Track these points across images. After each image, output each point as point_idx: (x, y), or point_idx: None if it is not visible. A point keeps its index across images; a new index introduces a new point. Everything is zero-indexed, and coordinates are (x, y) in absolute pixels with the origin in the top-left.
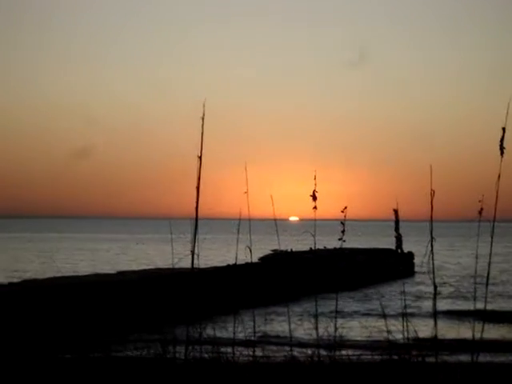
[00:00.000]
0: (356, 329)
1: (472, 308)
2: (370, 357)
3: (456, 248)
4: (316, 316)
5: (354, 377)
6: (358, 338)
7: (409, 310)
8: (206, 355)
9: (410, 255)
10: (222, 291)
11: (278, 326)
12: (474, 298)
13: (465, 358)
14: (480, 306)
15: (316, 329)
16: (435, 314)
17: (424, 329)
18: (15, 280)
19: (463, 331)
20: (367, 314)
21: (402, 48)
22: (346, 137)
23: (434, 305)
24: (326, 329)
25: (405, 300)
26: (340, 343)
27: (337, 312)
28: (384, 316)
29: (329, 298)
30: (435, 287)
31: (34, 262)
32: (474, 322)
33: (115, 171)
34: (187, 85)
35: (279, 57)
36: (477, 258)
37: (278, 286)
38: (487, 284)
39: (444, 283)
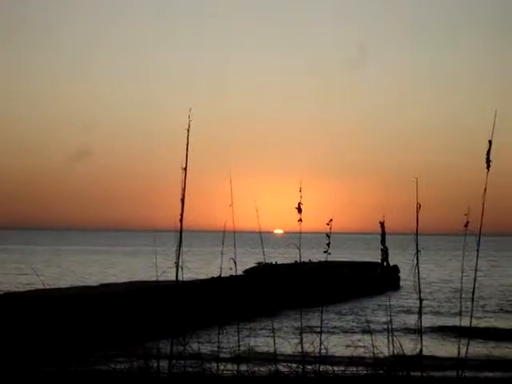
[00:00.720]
0: (341, 343)
1: (457, 324)
2: (355, 370)
3: (441, 262)
4: (301, 330)
5: None
6: (343, 353)
7: (394, 325)
8: (189, 369)
9: (395, 269)
10: (205, 304)
11: (263, 339)
12: (460, 314)
13: (450, 373)
14: (465, 321)
15: (301, 343)
16: (421, 329)
17: (409, 344)
18: None
19: (449, 348)
20: (352, 329)
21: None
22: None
23: (420, 319)
24: (311, 343)
25: (390, 315)
26: (325, 357)
27: (322, 327)
28: (370, 331)
29: (314, 311)
30: (420, 301)
31: (13, 275)
32: (459, 338)
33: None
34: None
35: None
36: (462, 272)
37: (262, 299)
38: (473, 300)
39: (428, 298)
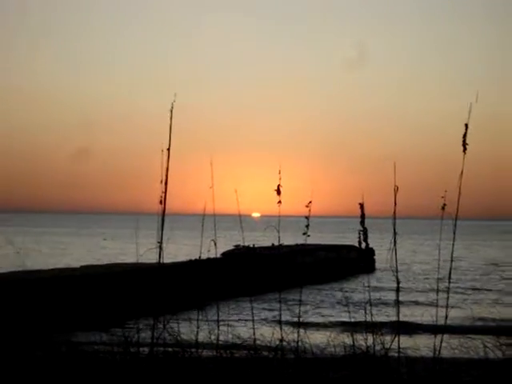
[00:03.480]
0: (319, 319)
1: (434, 302)
2: (333, 351)
3: (418, 245)
4: (280, 311)
5: (317, 370)
6: (321, 331)
7: (370, 300)
8: (169, 349)
9: (371, 251)
10: (184, 286)
11: (241, 320)
12: (437, 293)
13: (427, 351)
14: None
15: (279, 322)
16: (398, 306)
17: (385, 318)
18: None
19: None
20: (329, 306)
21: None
22: (313, 134)
23: (397, 296)
24: (289, 324)
25: (369, 292)
26: (303, 337)
27: (300, 301)
28: (347, 309)
29: (291, 293)
30: (398, 282)
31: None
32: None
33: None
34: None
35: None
36: (439, 254)
37: (240, 281)
38: (449, 281)
39: (404, 279)
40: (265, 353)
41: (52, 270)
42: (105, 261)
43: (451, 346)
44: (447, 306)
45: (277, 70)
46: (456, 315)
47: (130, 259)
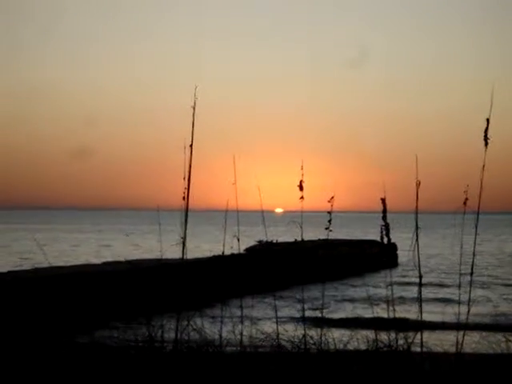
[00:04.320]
0: (342, 314)
1: (457, 296)
2: (356, 345)
3: (440, 239)
4: (303, 306)
5: (340, 365)
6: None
7: (393, 299)
8: (193, 344)
9: (393, 246)
10: (208, 282)
11: (265, 315)
12: (459, 288)
13: (450, 347)
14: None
15: (303, 316)
16: (421, 302)
17: (409, 315)
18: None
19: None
20: (353, 301)
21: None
22: (335, 130)
23: (420, 292)
24: (312, 320)
25: (392, 288)
26: (327, 331)
27: (323, 301)
28: (370, 303)
29: (314, 288)
30: (420, 276)
31: (24, 250)
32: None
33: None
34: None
35: (277, 52)
36: (461, 248)
37: (263, 277)
38: (472, 274)
39: (427, 274)
40: (288, 347)
41: (75, 266)
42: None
43: (474, 341)
44: (469, 302)
45: (301, 68)
46: (478, 311)
47: (153, 255)
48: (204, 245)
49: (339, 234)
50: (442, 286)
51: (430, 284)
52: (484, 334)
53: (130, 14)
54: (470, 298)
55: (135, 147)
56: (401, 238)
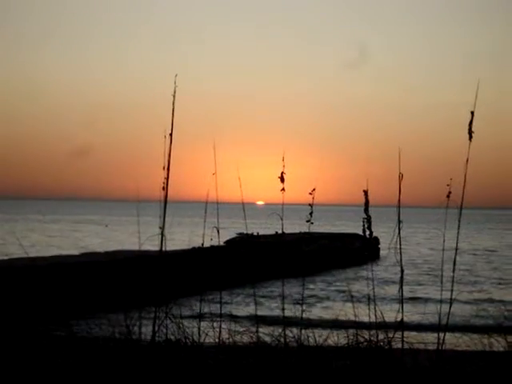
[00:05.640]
0: (322, 312)
1: (438, 295)
2: (336, 341)
3: (423, 234)
4: (282, 297)
5: (320, 360)
6: (325, 319)
7: (374, 295)
8: (171, 336)
9: (375, 240)
10: (187, 274)
11: (244, 306)
12: (441, 282)
13: (431, 346)
14: (446, 291)
15: (282, 309)
16: (402, 298)
17: (390, 314)
18: None
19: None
20: (333, 298)
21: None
22: (319, 123)
23: (401, 288)
24: (292, 310)
25: (373, 284)
26: (307, 323)
27: (303, 295)
28: (351, 300)
29: (295, 282)
30: (402, 271)
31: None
32: (440, 307)
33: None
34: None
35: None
36: (444, 243)
37: (243, 269)
38: (454, 270)
39: (409, 269)
40: (267, 341)
41: (52, 257)
42: (107, 248)
43: (455, 339)
44: (451, 301)
45: (282, 59)
46: (460, 310)
47: (131, 246)
48: (183, 236)
49: (321, 227)
50: (422, 283)
51: (411, 281)
52: (465, 333)
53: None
54: (451, 297)
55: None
56: (384, 232)
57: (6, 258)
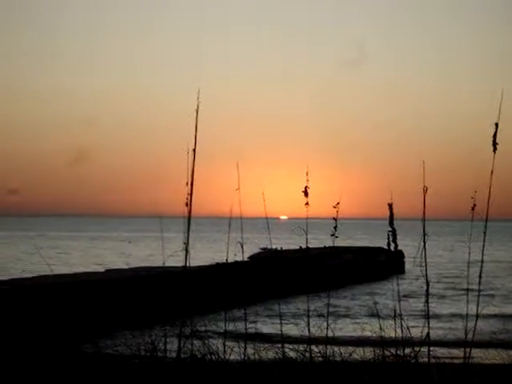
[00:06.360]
0: (348, 328)
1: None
2: (362, 355)
3: (448, 247)
4: (308, 314)
5: (346, 374)
6: (351, 336)
7: (400, 309)
8: (197, 353)
9: (400, 253)
10: (211, 290)
11: (269, 324)
12: (467, 294)
13: (457, 360)
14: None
15: (308, 325)
16: (428, 312)
17: (416, 329)
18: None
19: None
20: (359, 313)
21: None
22: (340, 136)
23: (427, 302)
24: (318, 326)
25: (399, 299)
26: (332, 340)
27: (329, 310)
28: (377, 315)
29: (319, 297)
30: (428, 285)
31: (24, 260)
32: (466, 322)
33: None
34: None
35: (277, 56)
36: (469, 256)
37: (267, 285)
38: (480, 280)
39: (434, 282)
40: (293, 356)
41: (76, 274)
42: (132, 264)
43: (482, 353)
44: (477, 317)
45: (304, 72)
46: (487, 325)
47: (155, 263)
48: (207, 252)
49: (345, 241)
50: (448, 297)
51: (437, 295)
52: (492, 348)
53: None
54: (477, 313)
55: (135, 152)
56: (408, 245)
57: (30, 275)
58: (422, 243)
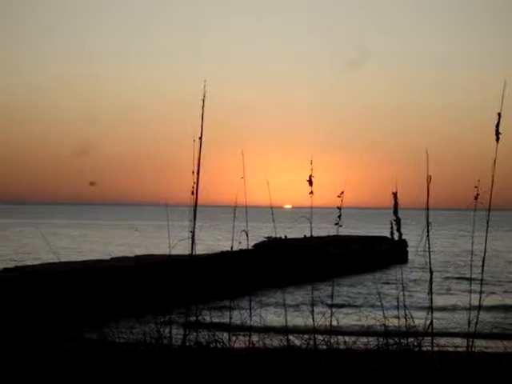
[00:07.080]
0: (351, 317)
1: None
2: (366, 343)
3: (451, 236)
4: (312, 302)
5: (350, 362)
6: (354, 325)
7: (402, 298)
8: (202, 340)
9: (404, 243)
10: (216, 278)
11: (274, 311)
12: (470, 284)
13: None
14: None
15: (312, 314)
16: (431, 301)
17: (420, 317)
18: (9, 266)
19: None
20: (362, 302)
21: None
22: (344, 125)
23: (430, 291)
24: (322, 315)
25: (403, 287)
26: (336, 328)
27: (333, 298)
28: (380, 304)
29: (323, 285)
30: (431, 273)
31: (31, 246)
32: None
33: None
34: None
35: (282, 49)
36: (472, 246)
37: (272, 273)
38: (482, 271)
39: (438, 271)
40: (297, 343)
41: (83, 261)
42: (137, 252)
43: (485, 343)
44: (479, 308)
45: (308, 64)
46: (490, 315)
47: (161, 251)
48: (212, 240)
49: (349, 230)
50: (451, 287)
51: (440, 284)
52: (496, 339)
53: (130, 9)
54: (480, 302)
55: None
56: (411, 234)
57: (37, 262)
58: (426, 232)
